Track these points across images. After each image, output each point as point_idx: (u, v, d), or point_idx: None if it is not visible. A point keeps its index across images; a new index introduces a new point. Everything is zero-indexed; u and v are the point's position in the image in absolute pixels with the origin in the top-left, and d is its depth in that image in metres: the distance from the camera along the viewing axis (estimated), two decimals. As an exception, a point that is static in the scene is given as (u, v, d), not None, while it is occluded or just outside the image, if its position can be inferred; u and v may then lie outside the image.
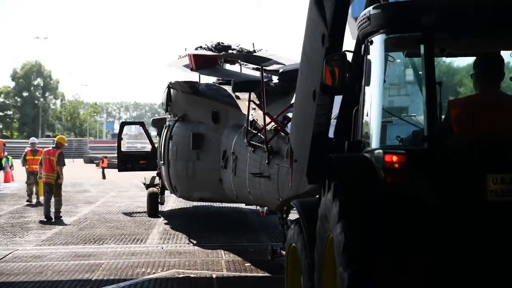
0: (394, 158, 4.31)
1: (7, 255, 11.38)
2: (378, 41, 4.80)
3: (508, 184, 4.27)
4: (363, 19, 5.00)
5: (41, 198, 17.59)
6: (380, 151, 4.49)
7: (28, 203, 19.25)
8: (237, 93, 13.44)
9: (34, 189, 19.57)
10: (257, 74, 12.73)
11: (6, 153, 32.81)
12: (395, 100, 5.51)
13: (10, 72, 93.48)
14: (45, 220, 15.63)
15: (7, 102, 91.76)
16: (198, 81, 15.52)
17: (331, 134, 6.15)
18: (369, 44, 4.97)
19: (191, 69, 15.18)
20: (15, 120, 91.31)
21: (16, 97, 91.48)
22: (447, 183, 4.32)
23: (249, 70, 15.15)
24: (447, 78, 5.56)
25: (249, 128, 11.81)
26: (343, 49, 5.45)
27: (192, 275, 9.76)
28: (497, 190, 4.27)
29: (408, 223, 4.17)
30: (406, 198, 4.27)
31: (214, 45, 15.26)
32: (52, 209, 15.87)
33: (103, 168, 35.24)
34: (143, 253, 11.52)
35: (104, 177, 33.88)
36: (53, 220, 15.64)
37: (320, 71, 5.49)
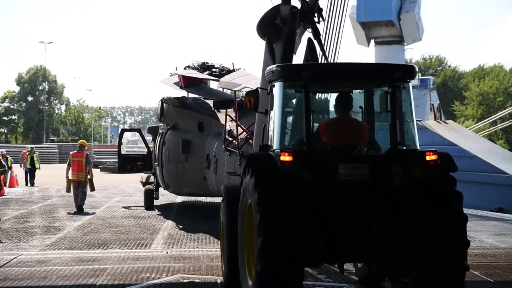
0: (287, 154, 7.08)
1: (12, 260, 11.38)
2: (278, 85, 7.81)
3: (351, 169, 7.26)
4: (270, 72, 7.93)
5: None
6: (278, 150, 7.35)
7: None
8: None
9: None
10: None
11: (4, 151, 32.88)
12: (287, 119, 8.13)
13: (15, 76, 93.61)
14: (77, 210, 18.33)
15: (12, 107, 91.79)
16: (186, 96, 18.77)
17: None
18: (273, 86, 7.94)
19: (180, 87, 18.42)
20: (20, 125, 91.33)
21: (21, 102, 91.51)
22: (317, 169, 7.22)
23: None
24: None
25: (226, 136, 14.97)
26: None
27: (197, 280, 9.75)
28: (345, 173, 7.25)
29: (296, 192, 6.97)
30: (293, 178, 7.03)
31: (199, 64, 18.73)
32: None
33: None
34: (147, 258, 11.51)
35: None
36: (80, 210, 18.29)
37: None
